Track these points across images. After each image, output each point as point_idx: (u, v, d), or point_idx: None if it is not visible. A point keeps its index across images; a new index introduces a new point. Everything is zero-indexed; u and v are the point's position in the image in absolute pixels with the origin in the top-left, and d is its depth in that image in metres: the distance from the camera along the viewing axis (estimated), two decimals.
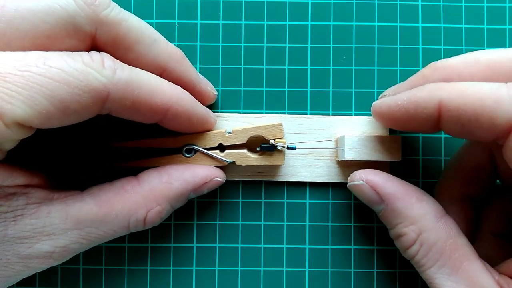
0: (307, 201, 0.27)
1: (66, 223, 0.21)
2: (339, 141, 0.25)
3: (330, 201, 0.27)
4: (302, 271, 0.26)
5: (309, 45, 0.27)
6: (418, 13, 0.27)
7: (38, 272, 0.26)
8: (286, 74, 0.27)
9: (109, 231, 0.22)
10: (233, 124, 0.26)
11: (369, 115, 0.27)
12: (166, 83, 0.22)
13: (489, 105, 0.18)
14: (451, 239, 0.21)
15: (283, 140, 0.24)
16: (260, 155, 0.25)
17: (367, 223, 0.27)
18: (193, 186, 0.23)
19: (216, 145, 0.24)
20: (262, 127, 0.24)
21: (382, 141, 0.24)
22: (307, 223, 0.27)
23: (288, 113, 0.27)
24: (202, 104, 0.24)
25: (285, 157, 0.26)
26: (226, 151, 0.25)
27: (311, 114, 0.27)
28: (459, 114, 0.19)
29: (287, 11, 0.27)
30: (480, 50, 0.21)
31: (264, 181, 0.27)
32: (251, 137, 0.25)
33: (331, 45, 0.27)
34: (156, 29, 0.27)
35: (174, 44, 0.27)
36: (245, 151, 0.25)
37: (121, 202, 0.21)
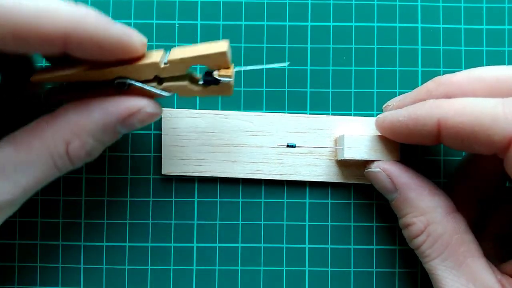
0: (307, 201, 0.27)
1: None
2: (339, 141, 0.26)
3: (330, 201, 0.27)
4: (302, 271, 0.26)
5: (309, 46, 0.27)
6: (418, 14, 0.27)
7: (38, 271, 0.26)
8: (286, 74, 0.27)
9: (37, 173, 0.20)
10: (232, 122, 0.26)
11: (369, 115, 0.27)
12: (61, 4, 0.18)
13: (486, 123, 0.19)
14: (457, 234, 0.21)
15: (230, 71, 0.21)
16: (204, 87, 0.22)
17: (367, 223, 0.27)
18: (117, 117, 0.20)
19: (151, 77, 0.21)
20: (203, 56, 0.20)
21: (381, 141, 0.24)
22: (307, 223, 0.27)
23: (288, 113, 0.27)
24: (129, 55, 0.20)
25: (284, 156, 0.26)
26: (165, 83, 0.21)
27: (311, 114, 0.27)
28: (457, 131, 0.19)
29: (287, 12, 0.27)
30: (485, 67, 0.21)
31: (264, 180, 0.27)
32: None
33: (331, 46, 0.27)
34: (156, 29, 0.27)
35: (175, 45, 0.27)
36: (186, 83, 0.21)
37: (39, 139, 0.20)
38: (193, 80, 0.22)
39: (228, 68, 0.21)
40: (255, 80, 0.27)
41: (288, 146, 0.25)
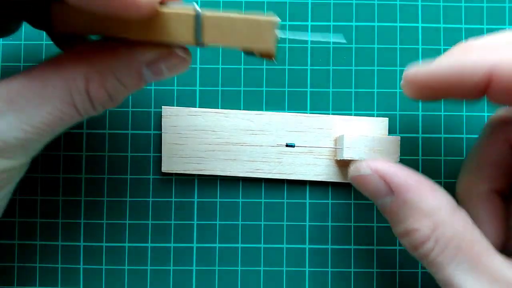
0: (307, 201, 0.27)
1: None
2: (338, 140, 0.25)
3: (330, 201, 0.27)
4: (302, 271, 0.26)
5: (309, 45, 0.27)
6: (418, 14, 0.27)
7: (38, 271, 0.26)
8: (286, 74, 0.27)
9: (53, 110, 0.18)
10: (232, 121, 0.26)
11: (369, 115, 0.27)
12: None
13: None
14: (468, 233, 0.19)
15: (273, 56, 0.18)
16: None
17: (367, 223, 0.27)
18: (143, 57, 0.18)
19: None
20: (244, 38, 0.18)
21: (381, 141, 0.24)
22: (307, 223, 0.27)
23: (288, 112, 0.27)
24: None
25: (284, 155, 0.26)
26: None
27: (311, 113, 0.27)
28: None
29: (287, 11, 0.27)
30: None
31: (264, 180, 0.27)
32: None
33: (331, 45, 0.27)
34: None
35: None
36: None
37: (56, 72, 0.18)
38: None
39: (272, 56, 0.19)
40: (255, 80, 0.27)
41: (287, 145, 0.25)
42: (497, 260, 0.18)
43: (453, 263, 0.18)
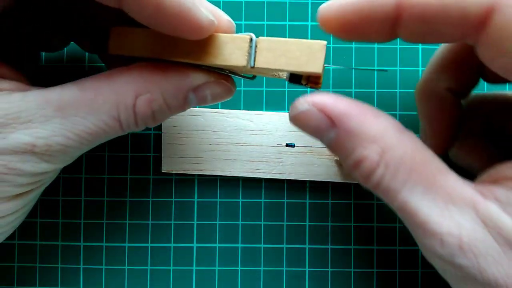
0: (307, 201, 0.27)
1: (46, 108, 0.18)
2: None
3: (330, 201, 0.27)
4: (302, 271, 0.26)
5: None
6: None
7: (38, 271, 0.26)
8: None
9: (98, 122, 0.18)
10: (232, 121, 0.26)
11: None
12: None
13: None
14: (418, 153, 0.18)
15: (319, 85, 0.20)
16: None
17: (367, 223, 0.27)
18: (191, 81, 0.19)
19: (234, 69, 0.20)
20: (295, 71, 0.19)
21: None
22: (307, 223, 0.27)
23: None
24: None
25: (283, 155, 0.26)
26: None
27: None
28: (423, 9, 0.16)
29: (287, 11, 0.27)
30: None
31: (264, 180, 0.27)
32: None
33: (331, 45, 0.27)
34: None
35: None
36: (269, 74, 0.21)
37: (108, 86, 0.19)
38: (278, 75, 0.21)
39: (318, 83, 0.20)
40: (255, 80, 0.27)
41: (287, 145, 0.25)
42: (451, 179, 0.17)
43: (406, 187, 0.17)
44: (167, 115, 0.20)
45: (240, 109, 0.27)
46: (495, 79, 0.22)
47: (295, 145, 0.26)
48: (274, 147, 0.26)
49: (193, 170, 0.26)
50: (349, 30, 0.19)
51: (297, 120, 0.19)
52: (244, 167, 0.26)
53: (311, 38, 0.27)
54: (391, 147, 0.17)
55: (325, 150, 0.26)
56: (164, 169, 0.26)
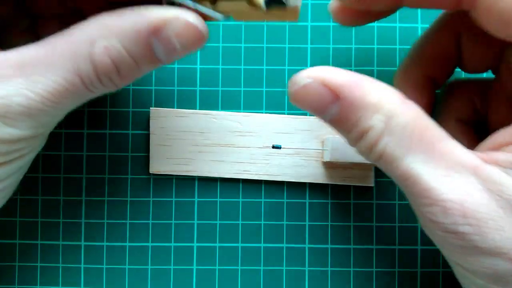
0: (307, 201, 0.27)
1: (5, 68, 0.17)
2: (325, 142, 0.26)
3: (329, 201, 0.27)
4: (301, 271, 0.27)
5: (309, 46, 0.27)
6: (418, 14, 0.27)
7: (39, 270, 0.26)
8: (286, 75, 0.27)
9: (58, 78, 0.17)
10: (220, 122, 0.26)
11: None
12: None
13: None
14: (420, 120, 0.18)
15: None
16: (266, 9, 0.19)
17: (366, 223, 0.27)
18: (149, 23, 0.17)
19: None
20: None
21: None
22: (307, 223, 0.27)
23: (287, 114, 0.27)
24: None
25: (271, 157, 0.26)
26: (220, 2, 0.19)
27: (311, 115, 0.27)
28: None
29: None
30: None
31: (264, 181, 0.27)
32: None
33: (331, 46, 0.27)
34: None
35: None
36: (244, 2, 0.18)
37: (64, 40, 0.18)
38: (253, 2, 0.19)
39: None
40: (255, 80, 0.27)
41: (273, 147, 0.25)
42: (451, 145, 0.18)
43: (409, 155, 0.17)
44: (133, 68, 0.18)
45: (240, 109, 0.27)
46: (474, 68, 0.22)
47: (281, 147, 0.26)
48: (262, 148, 0.26)
49: (180, 171, 0.26)
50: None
51: (298, 95, 0.18)
52: (232, 169, 0.26)
53: (311, 38, 0.27)
54: (395, 114, 0.17)
55: (313, 152, 0.26)
56: (152, 170, 0.26)
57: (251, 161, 0.26)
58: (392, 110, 0.17)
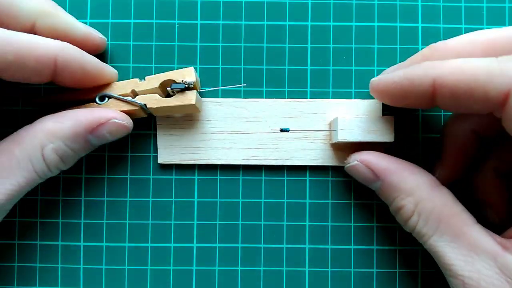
0: (307, 201, 0.27)
1: None
2: (333, 123, 0.25)
3: (330, 201, 0.27)
4: (301, 271, 0.26)
5: (309, 45, 0.27)
6: (418, 13, 0.27)
7: (38, 271, 0.26)
8: (286, 75, 0.27)
9: (20, 179, 0.22)
10: (226, 109, 0.26)
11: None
12: (47, 38, 0.22)
13: (482, 79, 0.19)
14: (447, 206, 0.21)
15: (194, 80, 0.24)
16: (172, 96, 0.25)
17: (367, 223, 0.27)
18: (85, 126, 0.23)
19: (129, 91, 0.25)
20: (173, 71, 0.25)
21: (375, 122, 0.24)
22: (307, 223, 0.27)
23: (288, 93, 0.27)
24: (93, 53, 0.24)
25: (279, 141, 0.26)
26: (138, 96, 0.25)
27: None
28: (453, 90, 0.19)
29: (287, 11, 0.27)
30: (478, 30, 0.22)
31: (264, 180, 0.27)
32: (163, 81, 0.25)
33: (331, 45, 0.27)
34: (156, 29, 0.27)
35: (174, 44, 0.27)
36: (156, 94, 0.25)
37: (18, 147, 0.22)
38: (164, 93, 0.25)
39: (193, 81, 0.24)
40: (255, 80, 0.27)
41: (282, 130, 0.25)
42: (475, 231, 0.21)
43: (436, 234, 0.21)
44: (75, 157, 0.24)
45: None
46: None
47: (290, 129, 0.26)
48: (269, 133, 0.26)
49: (189, 160, 0.26)
50: (394, 101, 0.22)
51: (350, 172, 0.24)
52: (240, 155, 0.26)
53: (311, 38, 0.27)
54: (423, 200, 0.22)
55: (321, 135, 0.26)
56: (161, 160, 0.26)
57: (259, 146, 0.26)
58: (421, 196, 0.22)
